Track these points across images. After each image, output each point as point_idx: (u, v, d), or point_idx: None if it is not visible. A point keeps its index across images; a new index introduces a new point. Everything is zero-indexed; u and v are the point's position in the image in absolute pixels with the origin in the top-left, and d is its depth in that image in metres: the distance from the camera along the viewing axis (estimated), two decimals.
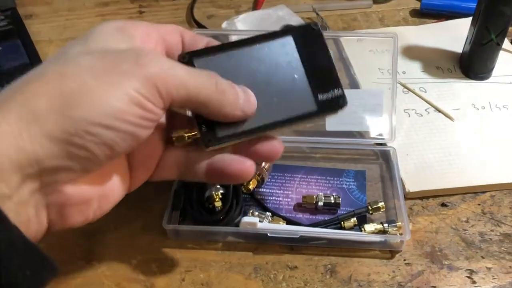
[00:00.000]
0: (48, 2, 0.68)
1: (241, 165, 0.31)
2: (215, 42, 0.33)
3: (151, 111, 0.26)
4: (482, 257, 0.39)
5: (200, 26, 0.63)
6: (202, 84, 0.28)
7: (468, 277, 0.38)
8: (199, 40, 0.33)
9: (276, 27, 0.35)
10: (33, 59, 0.56)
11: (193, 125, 0.31)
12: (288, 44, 0.33)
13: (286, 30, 0.33)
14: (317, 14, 0.63)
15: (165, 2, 0.68)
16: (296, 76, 0.32)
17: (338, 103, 0.32)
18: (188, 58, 0.31)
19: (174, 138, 0.31)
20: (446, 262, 0.38)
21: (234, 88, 0.29)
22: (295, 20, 0.61)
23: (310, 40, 0.33)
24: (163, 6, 0.67)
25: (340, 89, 0.32)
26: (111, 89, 0.25)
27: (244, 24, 0.60)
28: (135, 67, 0.25)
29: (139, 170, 0.31)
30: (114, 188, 0.29)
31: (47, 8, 0.67)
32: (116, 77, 0.25)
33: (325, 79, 0.32)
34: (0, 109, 0.23)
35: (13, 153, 0.23)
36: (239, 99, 0.29)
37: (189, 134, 0.31)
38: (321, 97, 0.32)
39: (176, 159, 0.32)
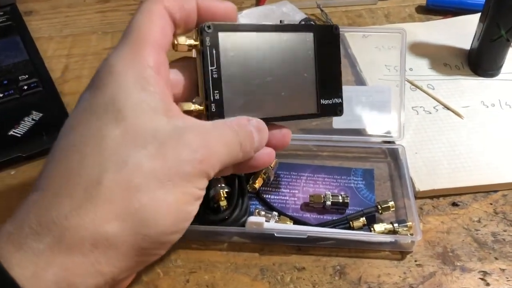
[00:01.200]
0: None
1: (268, 157, 0.32)
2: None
3: (201, 197, 0.27)
4: (496, 258, 0.38)
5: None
6: (232, 150, 0.28)
7: (482, 278, 0.36)
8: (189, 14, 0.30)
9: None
10: (33, 56, 0.55)
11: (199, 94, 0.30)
12: (308, 41, 0.33)
13: (310, 26, 0.34)
14: (321, 10, 0.62)
15: None
16: (306, 75, 0.33)
17: (335, 111, 0.34)
18: (214, 29, 0.30)
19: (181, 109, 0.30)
20: (458, 263, 0.37)
21: (252, 137, 0.30)
22: (300, 16, 0.60)
23: (328, 42, 0.34)
24: None
25: (340, 98, 0.34)
26: (180, 196, 0.25)
27: (247, 19, 0.59)
28: (195, 166, 0.25)
29: None
30: None
31: (47, 5, 0.65)
32: (182, 182, 0.25)
33: (331, 85, 0.34)
34: (67, 237, 0.22)
35: (90, 280, 0.23)
36: (254, 144, 0.30)
37: (196, 108, 0.30)
38: (323, 101, 0.34)
39: None
